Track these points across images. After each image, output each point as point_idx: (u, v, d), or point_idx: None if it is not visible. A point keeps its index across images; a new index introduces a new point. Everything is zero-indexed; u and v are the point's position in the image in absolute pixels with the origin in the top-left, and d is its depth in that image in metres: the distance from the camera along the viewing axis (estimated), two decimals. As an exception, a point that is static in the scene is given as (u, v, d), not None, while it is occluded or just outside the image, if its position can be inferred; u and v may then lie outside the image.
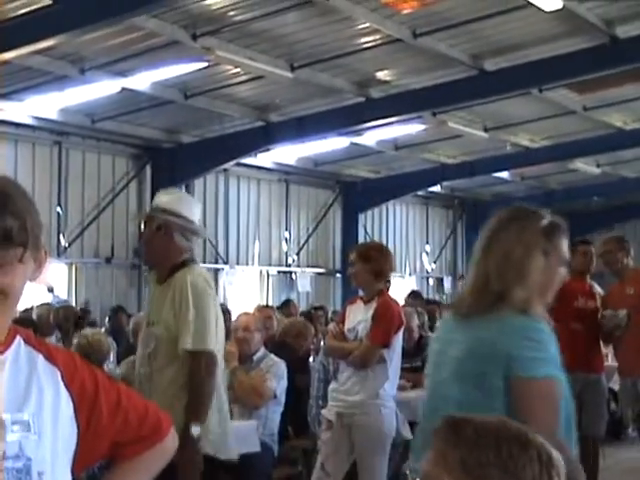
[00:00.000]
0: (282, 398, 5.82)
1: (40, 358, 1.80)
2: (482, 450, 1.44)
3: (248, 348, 5.82)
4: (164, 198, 4.30)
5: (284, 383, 5.82)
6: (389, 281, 5.35)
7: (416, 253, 22.97)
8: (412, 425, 6.07)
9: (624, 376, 6.89)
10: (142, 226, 4.28)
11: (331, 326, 5.74)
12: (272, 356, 5.94)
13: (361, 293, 5.46)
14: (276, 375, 5.73)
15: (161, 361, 3.98)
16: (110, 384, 1.93)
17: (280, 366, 5.81)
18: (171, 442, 2.06)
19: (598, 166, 20.44)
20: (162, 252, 4.15)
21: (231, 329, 6.00)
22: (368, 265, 5.20)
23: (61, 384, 1.79)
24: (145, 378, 3.93)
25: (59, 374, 1.80)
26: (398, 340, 5.19)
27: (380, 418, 5.07)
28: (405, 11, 11.11)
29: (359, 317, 5.20)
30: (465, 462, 1.43)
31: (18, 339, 1.78)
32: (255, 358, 5.83)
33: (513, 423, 1.53)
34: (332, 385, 5.35)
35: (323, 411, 5.37)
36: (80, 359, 1.92)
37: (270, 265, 19.13)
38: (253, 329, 5.83)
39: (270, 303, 17.27)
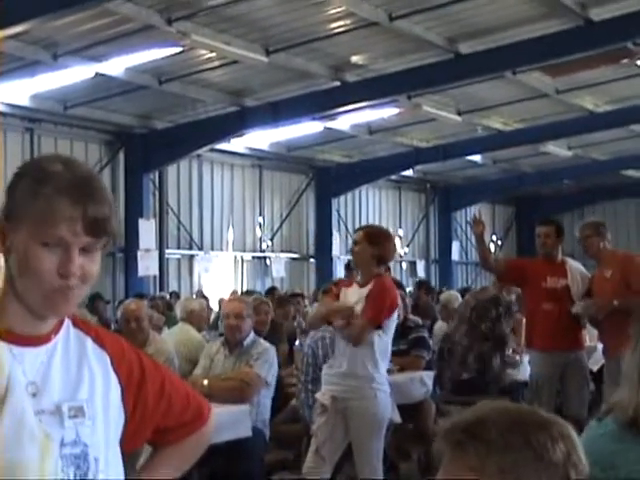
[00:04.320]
0: (273, 383, 5.81)
1: (89, 341, 1.77)
2: (515, 450, 1.40)
3: (240, 335, 5.77)
4: None
5: (275, 369, 5.80)
6: (388, 268, 5.33)
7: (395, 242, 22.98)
8: (400, 408, 6.09)
9: (609, 357, 6.93)
10: None
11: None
12: (261, 341, 5.90)
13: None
14: (266, 361, 5.70)
15: None
16: (155, 368, 1.91)
17: (270, 352, 5.77)
18: (211, 427, 2.05)
19: (569, 149, 20.59)
20: None
21: (221, 315, 5.97)
22: (372, 248, 5.17)
23: (110, 368, 1.78)
24: None
25: (108, 358, 1.78)
26: (392, 322, 5.17)
27: (376, 402, 5.05)
28: (381, -6, 11.09)
29: (354, 299, 5.16)
30: (503, 468, 1.39)
31: (66, 322, 1.76)
32: (245, 344, 5.80)
33: (519, 407, 1.52)
34: (325, 369, 5.33)
35: (317, 395, 5.34)
36: (126, 342, 1.90)
37: (244, 251, 19.08)
38: (245, 315, 5.79)
39: (245, 288, 17.28)
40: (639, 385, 2.32)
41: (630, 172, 23.31)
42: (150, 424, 1.87)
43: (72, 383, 1.70)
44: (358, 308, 5.10)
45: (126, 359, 1.83)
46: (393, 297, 5.16)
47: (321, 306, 5.41)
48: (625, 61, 14.02)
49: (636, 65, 14.20)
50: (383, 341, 5.13)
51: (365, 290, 5.15)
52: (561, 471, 1.41)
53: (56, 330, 1.72)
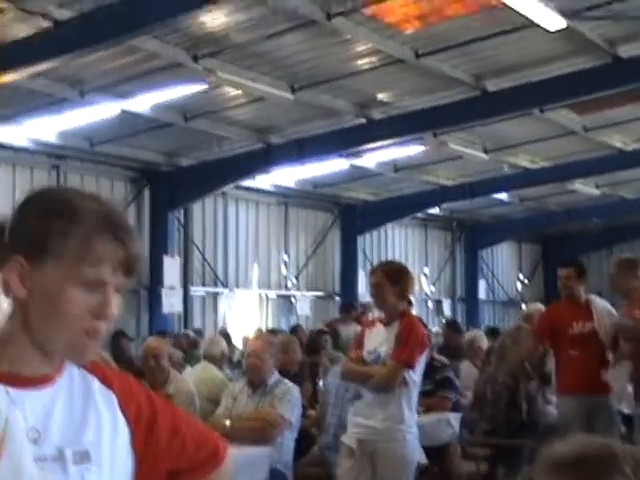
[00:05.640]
0: (297, 424, 5.68)
1: (96, 382, 1.66)
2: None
3: (260, 375, 5.68)
4: None
5: (298, 409, 5.67)
6: (411, 302, 5.23)
7: (415, 276, 22.79)
8: (425, 450, 5.92)
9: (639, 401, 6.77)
10: None
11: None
12: (286, 381, 5.80)
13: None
14: (290, 401, 5.58)
15: None
16: (166, 407, 1.79)
17: (294, 392, 5.66)
18: (228, 468, 1.91)
19: (597, 187, 20.39)
20: None
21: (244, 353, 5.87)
22: (394, 286, 5.06)
23: (118, 410, 1.66)
24: None
25: (115, 399, 1.67)
26: (422, 362, 5.06)
27: (404, 444, 4.92)
28: (407, 31, 11.04)
29: (380, 339, 5.05)
30: None
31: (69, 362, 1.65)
32: (269, 384, 5.69)
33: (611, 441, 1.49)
34: (352, 410, 5.20)
35: (343, 437, 5.21)
36: (134, 381, 1.78)
37: (269, 288, 18.97)
38: (265, 356, 5.68)
39: (269, 326, 17.15)
40: None
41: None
42: (163, 465, 1.75)
43: (76, 427, 1.58)
44: (384, 349, 4.98)
45: (134, 398, 1.71)
46: (423, 336, 5.06)
47: (348, 363, 5.32)
48: (654, 99, 13.88)
49: (665, 103, 14.06)
50: (413, 381, 5.00)
51: (391, 329, 5.03)
52: None
53: (59, 371, 1.60)
